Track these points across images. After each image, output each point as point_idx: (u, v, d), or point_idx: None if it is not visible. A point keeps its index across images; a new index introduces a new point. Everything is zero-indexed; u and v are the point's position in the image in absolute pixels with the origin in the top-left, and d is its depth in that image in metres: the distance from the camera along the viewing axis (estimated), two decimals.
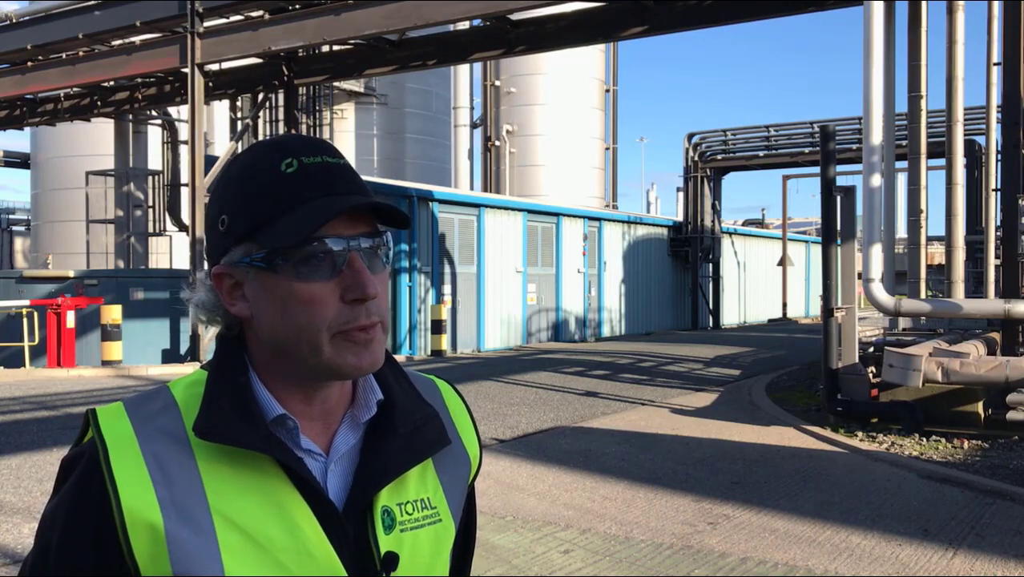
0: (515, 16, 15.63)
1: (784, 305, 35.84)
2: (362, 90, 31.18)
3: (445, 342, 19.45)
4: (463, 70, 31.46)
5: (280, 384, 1.02)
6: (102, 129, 24.57)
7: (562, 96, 31.84)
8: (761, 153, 30.70)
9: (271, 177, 0.99)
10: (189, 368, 16.41)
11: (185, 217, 21.51)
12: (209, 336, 17.81)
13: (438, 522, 1.07)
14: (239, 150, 20.46)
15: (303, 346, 0.98)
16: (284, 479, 0.97)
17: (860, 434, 9.46)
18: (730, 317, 32.94)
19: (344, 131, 31.36)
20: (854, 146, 25.29)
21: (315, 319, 0.97)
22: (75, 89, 20.49)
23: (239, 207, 0.99)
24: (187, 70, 16.86)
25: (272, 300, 0.98)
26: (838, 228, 10.56)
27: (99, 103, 21.12)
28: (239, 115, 22.17)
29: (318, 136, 22.00)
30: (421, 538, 1.04)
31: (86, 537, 0.94)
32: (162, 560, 0.92)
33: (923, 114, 11.94)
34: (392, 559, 1.00)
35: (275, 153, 1.00)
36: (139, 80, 19.94)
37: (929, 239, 14.19)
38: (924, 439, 9.15)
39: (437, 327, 19.24)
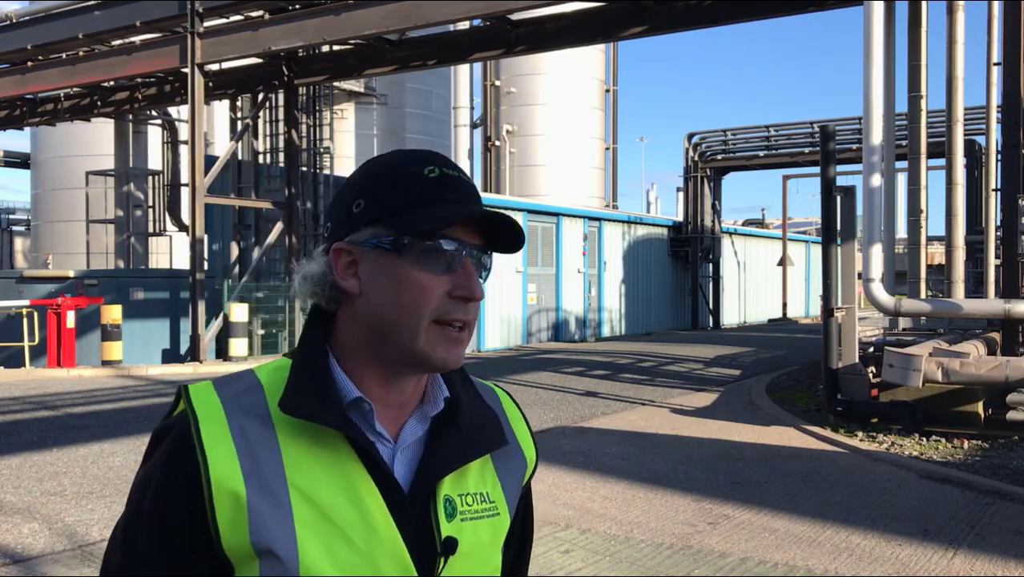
0: (515, 16, 15.63)
1: (784, 305, 35.83)
2: (362, 90, 31.16)
3: None
4: (463, 70, 31.37)
5: (363, 368, 1.09)
6: (102, 129, 24.56)
7: (562, 96, 31.81)
8: (761, 153, 30.70)
9: (414, 177, 1.08)
10: (189, 368, 16.42)
11: (185, 217, 21.51)
12: (209, 336, 17.81)
13: (496, 515, 1.14)
14: (239, 150, 20.51)
15: (403, 328, 1.06)
16: (356, 460, 1.04)
17: (860, 434, 9.46)
18: (730, 317, 32.94)
19: (344, 131, 31.34)
20: (854, 146, 25.29)
21: (422, 303, 1.05)
22: (75, 89, 20.50)
23: (378, 194, 1.08)
24: (187, 70, 16.87)
25: (388, 280, 1.06)
26: (838, 228, 10.56)
27: (99, 103, 21.12)
28: (239, 115, 22.16)
29: (318, 136, 22.02)
30: (481, 528, 1.11)
31: (177, 501, 1.01)
32: (241, 527, 0.99)
33: (923, 114, 11.93)
34: (452, 544, 1.06)
35: (420, 160, 1.10)
36: (139, 80, 19.94)
37: (929, 239, 14.19)
38: (924, 439, 9.15)
39: None
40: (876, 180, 10.38)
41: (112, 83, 20.13)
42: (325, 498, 1.01)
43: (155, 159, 24.28)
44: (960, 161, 11.93)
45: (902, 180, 15.01)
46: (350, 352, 1.10)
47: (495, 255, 1.14)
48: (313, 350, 1.09)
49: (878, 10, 10.41)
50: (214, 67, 18.68)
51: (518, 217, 22.59)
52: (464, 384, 1.18)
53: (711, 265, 30.79)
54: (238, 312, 17.60)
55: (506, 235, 1.11)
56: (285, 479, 1.01)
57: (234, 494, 0.99)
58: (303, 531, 0.99)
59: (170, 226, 23.94)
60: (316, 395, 1.04)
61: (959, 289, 11.50)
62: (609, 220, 26.91)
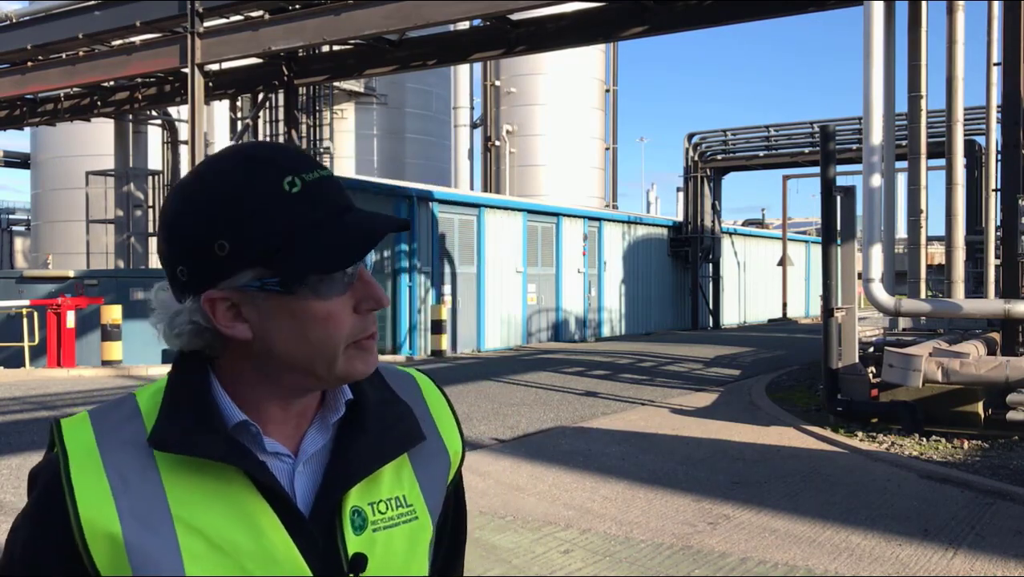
0: (515, 16, 15.63)
1: (784, 305, 35.83)
2: (362, 90, 31.18)
3: (445, 342, 19.45)
4: (463, 70, 31.45)
5: (259, 400, 1.01)
6: (102, 129, 24.58)
7: (562, 96, 31.83)
8: (761, 153, 30.69)
9: (276, 199, 0.95)
10: None
11: None
12: None
13: (414, 520, 1.06)
14: None
15: (318, 362, 0.98)
16: (248, 484, 0.96)
17: (860, 434, 9.46)
18: (730, 317, 32.94)
19: (344, 131, 31.36)
20: (854, 146, 25.28)
21: (335, 335, 0.97)
22: (75, 89, 20.50)
23: (243, 230, 0.94)
24: (187, 70, 16.86)
25: (288, 321, 0.96)
26: (838, 228, 10.55)
27: (99, 103, 21.13)
28: (239, 115, 22.19)
29: (318, 136, 21.99)
30: (395, 537, 1.03)
31: (49, 548, 0.95)
32: (123, 570, 0.92)
33: (923, 114, 11.94)
34: (360, 560, 0.99)
35: (272, 172, 0.96)
36: (139, 80, 19.94)
37: (929, 239, 14.19)
38: (924, 439, 9.15)
39: (437, 327, 19.24)
40: (876, 180, 10.38)
41: (112, 83, 20.13)
42: (216, 529, 0.94)
43: (155, 159, 24.31)
44: (960, 161, 11.94)
45: (902, 180, 15.01)
46: (241, 387, 1.00)
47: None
48: (190, 372, 1.00)
49: (878, 10, 10.41)
50: (214, 67, 18.67)
51: (518, 217, 22.65)
52: (371, 379, 1.08)
53: (711, 265, 30.78)
54: None
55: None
56: (169, 514, 0.93)
57: (109, 536, 0.92)
58: (193, 567, 0.92)
59: None
60: (193, 423, 0.96)
61: (959, 289, 11.50)
62: (609, 220, 26.91)
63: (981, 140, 20.46)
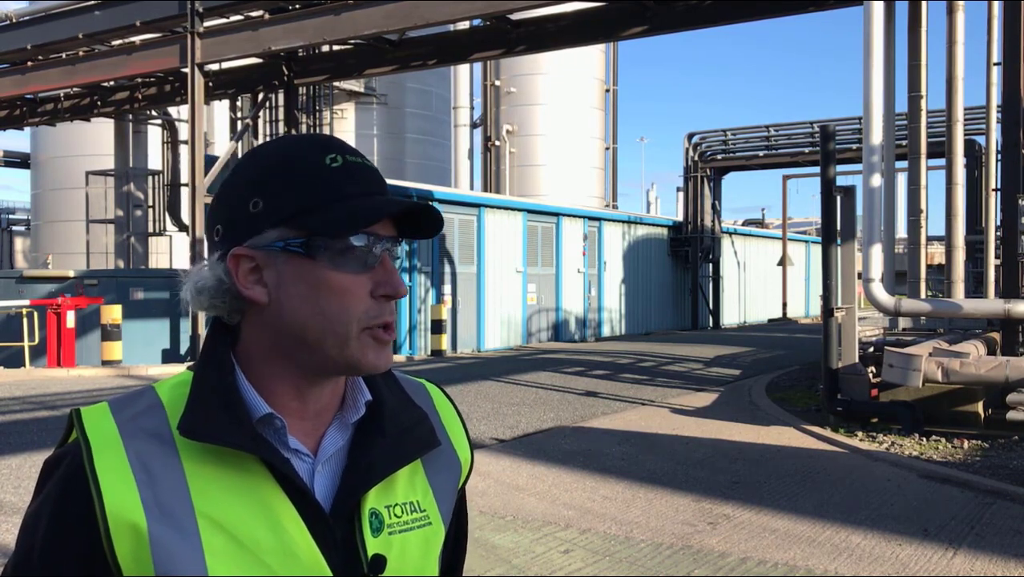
0: (515, 16, 15.63)
1: (784, 305, 35.82)
2: (362, 90, 31.18)
3: (445, 342, 19.45)
4: (463, 70, 31.44)
5: (273, 380, 1.01)
6: (102, 129, 24.57)
7: (562, 96, 31.81)
8: (761, 153, 30.68)
9: (317, 168, 0.99)
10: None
11: (185, 217, 21.52)
12: None
13: (428, 525, 1.07)
14: (239, 150, 20.51)
15: (329, 336, 0.98)
16: (270, 480, 0.97)
17: (860, 434, 9.46)
18: (730, 317, 32.93)
19: (344, 131, 31.34)
20: (854, 146, 25.28)
21: (347, 310, 0.98)
22: (75, 89, 20.50)
23: (279, 191, 0.98)
24: (187, 70, 16.86)
25: (304, 287, 0.98)
26: (838, 228, 10.55)
27: (99, 103, 21.12)
28: (239, 115, 22.18)
29: None
30: (410, 541, 1.04)
31: (71, 538, 0.93)
32: (145, 561, 0.91)
33: (923, 114, 11.94)
34: (380, 561, 0.99)
35: (318, 147, 1.01)
36: (139, 80, 19.94)
37: (929, 239, 14.20)
38: (924, 439, 9.15)
39: (437, 327, 19.24)
40: (876, 180, 10.37)
41: (112, 83, 20.13)
42: (238, 524, 0.94)
43: (155, 159, 24.29)
44: (960, 161, 11.94)
45: (902, 180, 15.02)
46: (257, 363, 1.01)
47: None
48: (217, 363, 1.00)
49: (878, 10, 10.41)
50: (214, 67, 18.67)
51: (518, 217, 22.65)
52: (388, 383, 1.10)
53: (711, 265, 30.78)
54: None
55: (423, 220, 1.03)
56: (192, 507, 0.93)
57: (133, 527, 0.91)
58: (213, 561, 0.92)
59: (170, 226, 23.96)
60: (221, 414, 0.96)
61: (959, 289, 11.50)
62: (609, 220, 26.91)
63: (981, 140, 20.44)
